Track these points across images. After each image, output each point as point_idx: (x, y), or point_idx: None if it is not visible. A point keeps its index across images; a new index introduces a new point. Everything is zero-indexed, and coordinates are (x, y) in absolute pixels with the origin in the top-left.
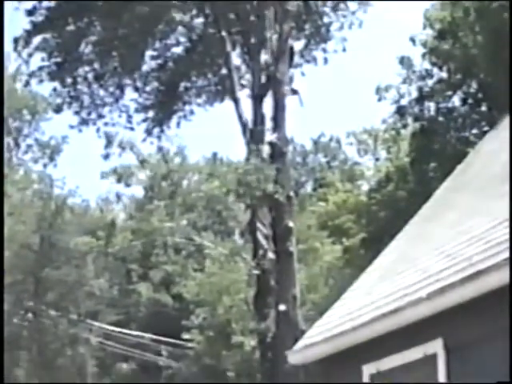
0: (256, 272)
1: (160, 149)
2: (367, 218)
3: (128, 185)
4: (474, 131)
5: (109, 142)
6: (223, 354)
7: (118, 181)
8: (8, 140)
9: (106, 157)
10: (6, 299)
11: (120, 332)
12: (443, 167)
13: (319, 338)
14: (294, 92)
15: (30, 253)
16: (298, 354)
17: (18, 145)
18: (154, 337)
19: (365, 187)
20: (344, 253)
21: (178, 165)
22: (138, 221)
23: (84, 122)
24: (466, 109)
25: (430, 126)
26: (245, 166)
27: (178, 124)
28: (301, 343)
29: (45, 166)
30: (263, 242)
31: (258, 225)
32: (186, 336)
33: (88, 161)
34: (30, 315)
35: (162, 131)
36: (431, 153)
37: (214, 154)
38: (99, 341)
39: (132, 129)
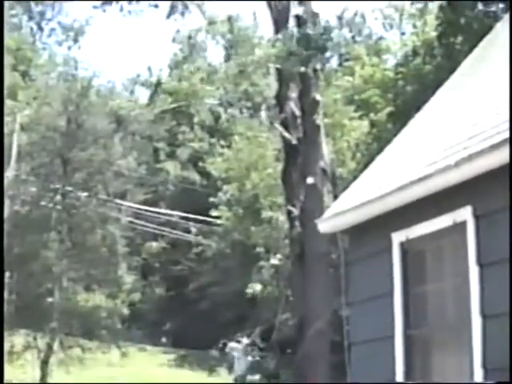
0: (284, 145)
1: None
2: (394, 92)
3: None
4: (501, 5)
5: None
6: (252, 230)
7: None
8: (31, 24)
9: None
10: (34, 182)
11: (149, 211)
12: (470, 41)
13: (348, 205)
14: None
15: (57, 135)
16: (327, 222)
17: (41, 29)
18: (183, 214)
19: (391, 62)
20: (371, 127)
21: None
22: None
23: (107, 1)
24: None
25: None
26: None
27: None
28: (330, 211)
29: (69, 48)
30: (291, 114)
31: (286, 98)
32: (214, 213)
33: (113, 42)
34: (58, 197)
35: (186, 7)
36: (458, 26)
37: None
38: (129, 220)
39: (156, 6)
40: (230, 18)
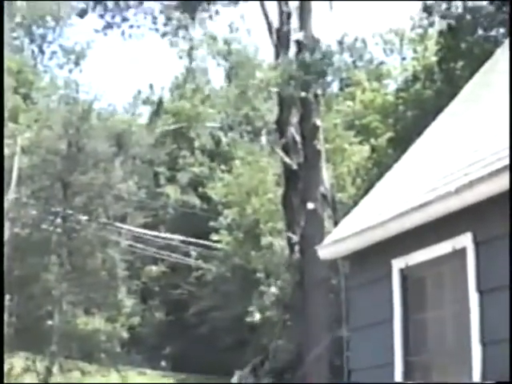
0: (284, 171)
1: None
2: (394, 117)
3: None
4: (501, 31)
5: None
6: (252, 255)
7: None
8: (32, 47)
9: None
10: (35, 205)
11: (149, 234)
12: (470, 66)
13: (348, 232)
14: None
15: (57, 158)
16: (327, 249)
17: (42, 51)
18: (183, 238)
19: (391, 87)
20: (371, 152)
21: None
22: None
23: (109, 25)
24: (493, 8)
25: (457, 25)
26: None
27: (201, 24)
28: (330, 238)
29: (70, 71)
30: (291, 139)
31: (286, 123)
32: (214, 237)
33: (114, 65)
34: (58, 220)
35: (186, 29)
36: (458, 52)
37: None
38: (128, 244)
39: (157, 30)
40: (228, 38)
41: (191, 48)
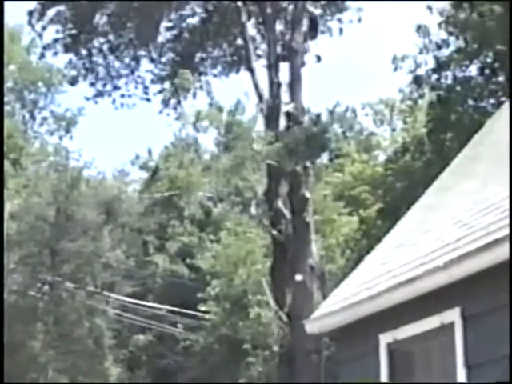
0: (273, 242)
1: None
2: (384, 188)
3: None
4: (492, 101)
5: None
6: (240, 325)
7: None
8: (23, 112)
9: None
10: (22, 271)
11: (137, 304)
12: (460, 137)
13: (336, 306)
14: (318, 59)
15: (46, 225)
16: (314, 323)
17: (33, 117)
18: (171, 308)
19: (381, 157)
20: (360, 223)
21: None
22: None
23: (100, 93)
24: (483, 79)
25: (446, 96)
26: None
27: (194, 95)
28: (318, 312)
29: (60, 138)
30: (280, 212)
31: (275, 195)
32: (202, 307)
33: (104, 132)
34: (46, 287)
35: (178, 102)
36: (448, 123)
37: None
38: (116, 312)
39: (148, 100)
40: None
41: (179, 117)
